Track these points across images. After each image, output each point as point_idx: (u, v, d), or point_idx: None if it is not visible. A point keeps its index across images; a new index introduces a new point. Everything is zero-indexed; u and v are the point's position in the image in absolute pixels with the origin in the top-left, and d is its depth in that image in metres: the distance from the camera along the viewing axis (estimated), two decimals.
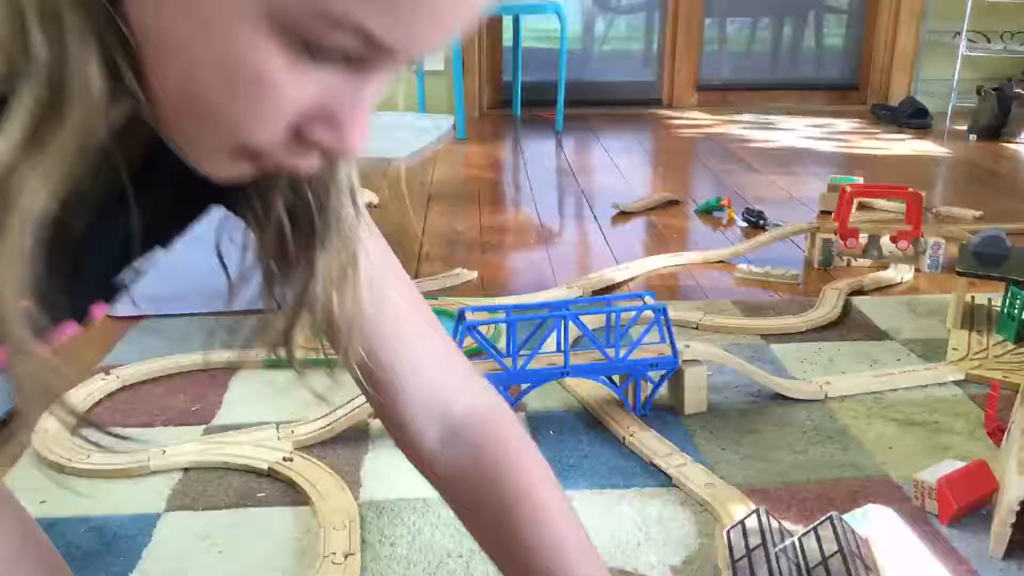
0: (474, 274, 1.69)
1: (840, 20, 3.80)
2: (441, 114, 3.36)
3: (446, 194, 2.34)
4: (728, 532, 0.85)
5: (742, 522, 0.84)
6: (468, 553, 0.89)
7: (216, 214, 0.55)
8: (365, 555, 0.89)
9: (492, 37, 3.56)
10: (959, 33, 3.28)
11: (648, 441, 1.09)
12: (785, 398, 1.22)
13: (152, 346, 1.36)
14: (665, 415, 1.17)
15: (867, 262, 1.77)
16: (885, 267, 1.73)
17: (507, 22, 3.53)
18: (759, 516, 0.84)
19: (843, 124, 3.36)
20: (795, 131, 3.23)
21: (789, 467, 1.05)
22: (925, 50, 3.56)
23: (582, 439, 1.11)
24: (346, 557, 0.87)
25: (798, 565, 0.80)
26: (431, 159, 2.77)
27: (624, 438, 1.10)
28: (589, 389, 1.21)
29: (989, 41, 3.46)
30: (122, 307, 1.47)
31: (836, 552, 0.79)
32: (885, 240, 1.76)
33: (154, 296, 1.47)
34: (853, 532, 0.84)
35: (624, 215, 2.14)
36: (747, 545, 0.81)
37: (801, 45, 3.81)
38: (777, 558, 0.78)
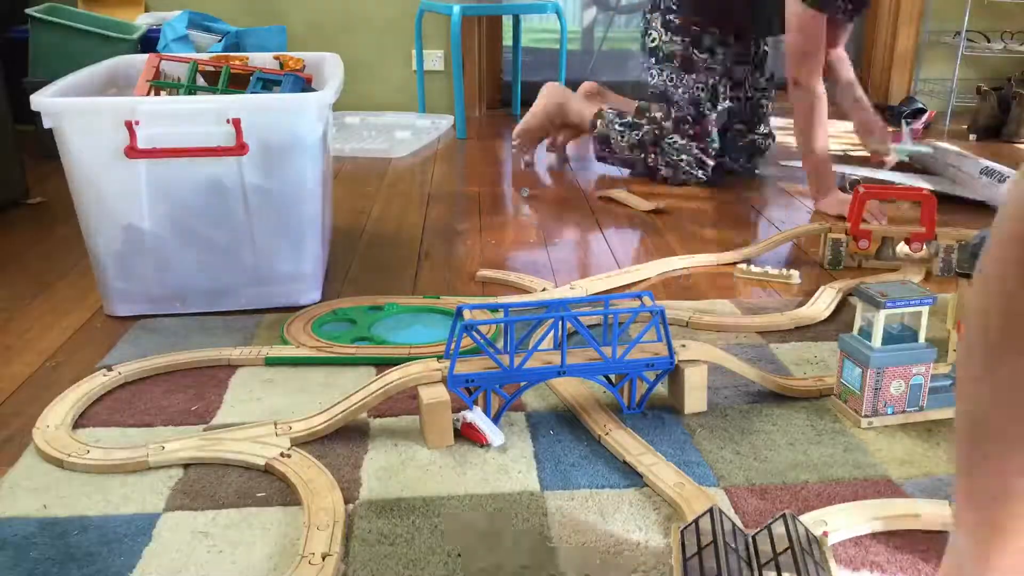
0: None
1: None
2: (441, 114, 3.36)
3: (446, 194, 2.34)
4: (682, 531, 0.85)
5: (695, 521, 0.85)
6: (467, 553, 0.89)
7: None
8: (365, 555, 0.89)
9: (492, 37, 3.56)
10: (959, 33, 3.28)
11: (622, 439, 1.09)
12: (785, 398, 1.22)
13: (152, 345, 1.36)
14: (665, 415, 1.17)
15: (879, 264, 1.76)
16: (896, 270, 1.72)
17: (507, 22, 3.54)
18: (712, 516, 0.84)
19: (843, 124, 3.36)
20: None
21: (789, 467, 1.05)
22: (925, 50, 3.56)
23: (582, 439, 1.11)
24: (323, 558, 0.86)
25: (749, 563, 0.81)
26: (431, 159, 2.77)
27: (600, 436, 1.10)
28: (570, 387, 1.21)
29: (989, 41, 3.46)
30: (122, 307, 1.47)
31: (787, 549, 0.80)
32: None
33: (154, 296, 1.47)
34: (807, 530, 0.85)
35: (607, 199, 2.26)
36: (699, 544, 0.82)
37: None
38: (727, 556, 0.79)
